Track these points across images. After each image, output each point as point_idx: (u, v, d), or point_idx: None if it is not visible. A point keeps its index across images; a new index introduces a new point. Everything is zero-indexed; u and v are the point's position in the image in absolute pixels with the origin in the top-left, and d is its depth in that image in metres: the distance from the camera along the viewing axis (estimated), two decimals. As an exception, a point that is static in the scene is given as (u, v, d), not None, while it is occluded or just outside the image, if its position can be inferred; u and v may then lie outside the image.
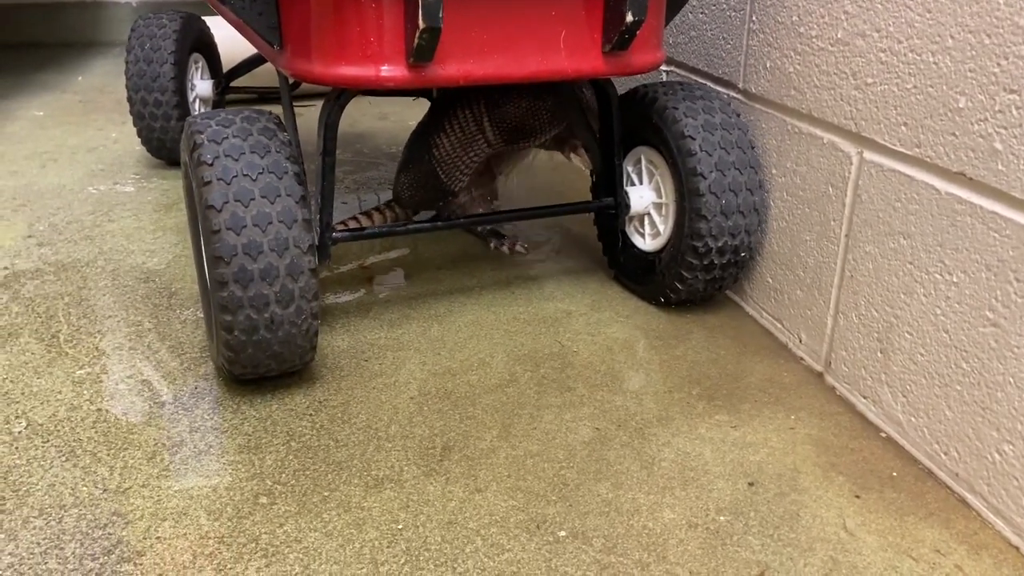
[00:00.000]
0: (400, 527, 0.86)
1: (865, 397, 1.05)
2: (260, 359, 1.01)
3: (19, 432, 0.99)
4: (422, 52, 0.94)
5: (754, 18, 1.21)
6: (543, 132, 1.28)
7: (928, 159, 0.92)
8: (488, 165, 1.44)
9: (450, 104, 1.30)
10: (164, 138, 1.79)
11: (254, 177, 0.96)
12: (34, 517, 0.86)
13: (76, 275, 1.37)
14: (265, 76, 2.09)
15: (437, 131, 1.31)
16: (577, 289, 1.36)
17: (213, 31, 1.98)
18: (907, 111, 0.94)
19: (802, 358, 1.17)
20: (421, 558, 0.82)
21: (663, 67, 1.55)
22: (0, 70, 2.83)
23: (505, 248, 1.49)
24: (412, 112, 2.40)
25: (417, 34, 0.92)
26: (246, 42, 1.68)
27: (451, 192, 1.35)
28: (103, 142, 2.07)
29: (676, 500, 0.90)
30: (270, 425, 1.01)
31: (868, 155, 1.01)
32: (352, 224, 1.40)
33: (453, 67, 0.98)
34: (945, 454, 0.93)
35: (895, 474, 0.95)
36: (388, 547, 0.83)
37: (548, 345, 1.19)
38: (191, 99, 1.85)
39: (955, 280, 0.90)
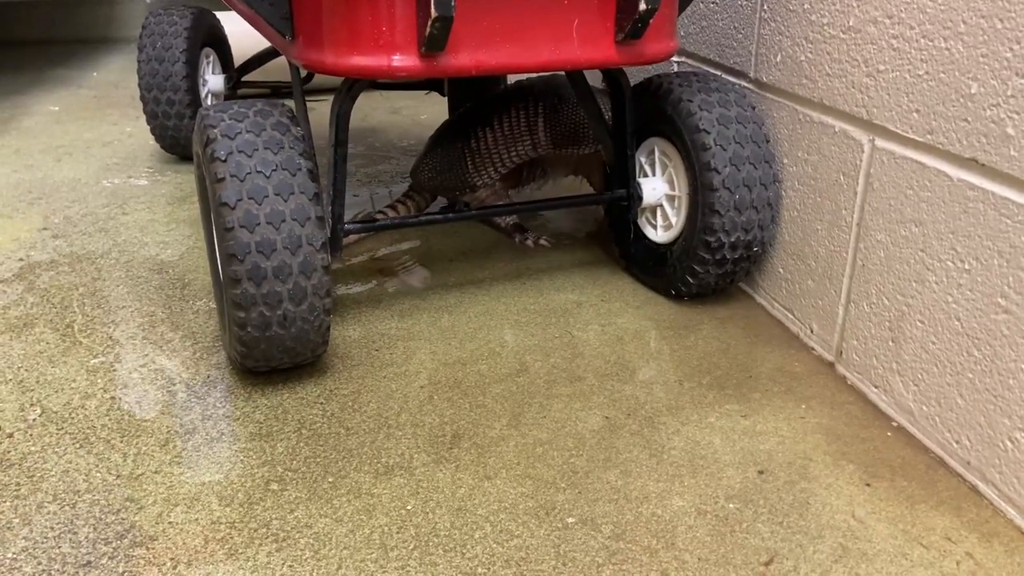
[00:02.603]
0: (410, 511, 0.86)
1: (876, 386, 1.05)
2: (272, 353, 1.01)
3: (34, 419, 1.00)
4: (434, 41, 0.95)
5: (765, 7, 1.21)
6: (590, 142, 1.31)
7: (940, 146, 0.92)
8: (518, 171, 1.44)
9: (503, 100, 1.31)
10: (178, 136, 1.80)
11: (268, 174, 0.97)
12: (48, 502, 0.87)
13: (90, 266, 1.38)
14: (277, 71, 2.10)
15: (483, 123, 1.31)
16: (587, 280, 1.36)
17: (224, 26, 1.99)
18: (919, 98, 0.94)
19: (813, 348, 1.17)
20: (430, 544, 0.82)
21: (674, 57, 1.54)
22: (16, 66, 2.86)
23: (530, 242, 1.49)
24: (424, 106, 2.41)
25: (429, 23, 0.92)
26: (257, 37, 1.68)
27: (471, 186, 1.35)
28: (117, 136, 2.09)
29: (685, 488, 0.90)
30: (281, 413, 1.01)
31: (880, 143, 1.01)
32: (380, 217, 1.41)
33: (465, 56, 0.98)
34: (956, 442, 0.93)
35: (906, 463, 0.94)
36: (398, 532, 0.83)
37: (558, 335, 1.19)
38: (203, 94, 1.86)
39: (967, 267, 0.89)
